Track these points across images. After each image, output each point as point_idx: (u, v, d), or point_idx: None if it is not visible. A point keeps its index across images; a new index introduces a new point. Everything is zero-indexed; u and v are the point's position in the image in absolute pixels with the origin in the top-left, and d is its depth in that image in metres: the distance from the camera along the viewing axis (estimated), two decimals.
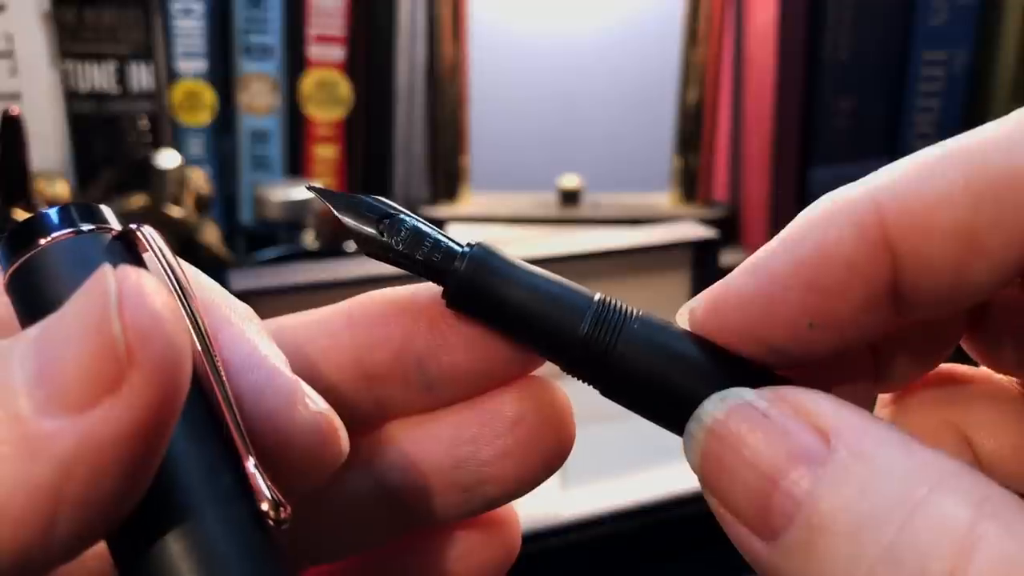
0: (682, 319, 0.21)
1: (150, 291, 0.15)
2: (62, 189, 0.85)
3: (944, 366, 0.24)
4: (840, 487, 0.16)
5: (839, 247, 0.19)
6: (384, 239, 0.21)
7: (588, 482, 0.64)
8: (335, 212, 0.22)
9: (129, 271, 0.15)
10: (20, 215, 0.72)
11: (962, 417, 0.23)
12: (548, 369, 0.23)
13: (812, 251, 0.19)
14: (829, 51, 0.96)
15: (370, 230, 0.22)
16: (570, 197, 1.08)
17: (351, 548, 0.24)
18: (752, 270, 0.20)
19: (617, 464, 0.66)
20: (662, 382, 0.21)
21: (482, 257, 0.21)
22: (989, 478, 0.16)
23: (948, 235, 0.18)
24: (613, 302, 0.21)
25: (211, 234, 0.87)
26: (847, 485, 0.16)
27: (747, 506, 0.18)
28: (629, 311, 0.21)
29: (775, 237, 0.20)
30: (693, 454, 0.19)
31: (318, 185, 0.22)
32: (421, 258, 0.21)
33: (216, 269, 0.80)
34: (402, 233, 0.21)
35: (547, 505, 0.61)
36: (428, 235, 0.21)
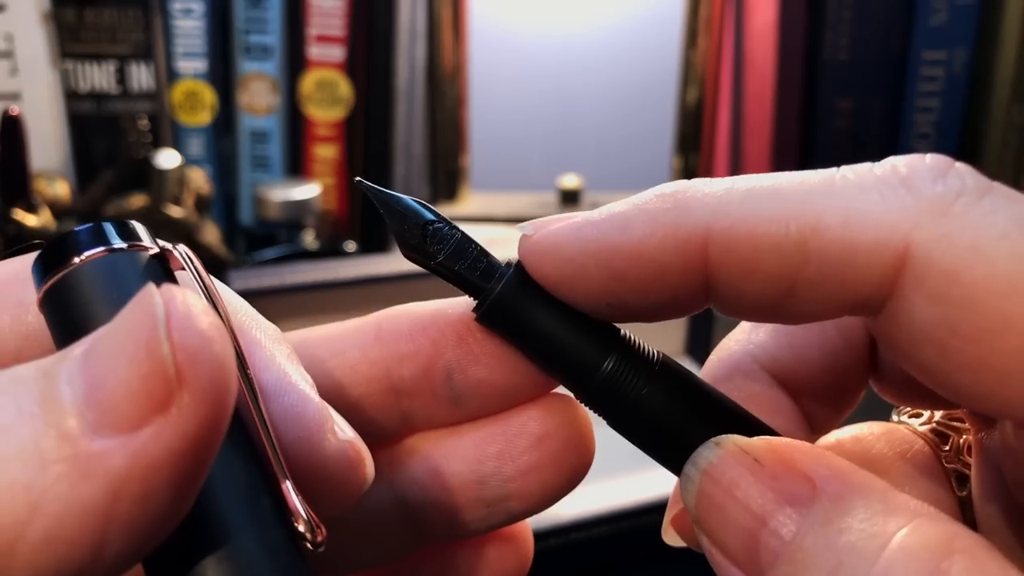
0: (519, 234, 0.22)
1: (197, 312, 0.15)
2: (62, 189, 0.85)
3: (854, 428, 0.25)
4: (822, 527, 0.17)
5: (655, 255, 0.20)
6: (427, 247, 0.22)
7: (588, 482, 0.64)
8: (381, 211, 0.22)
9: (175, 291, 0.15)
10: (20, 215, 0.72)
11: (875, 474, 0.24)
12: None
13: (628, 247, 0.20)
14: (829, 51, 0.96)
15: (414, 236, 0.22)
16: (570, 197, 1.08)
17: (368, 561, 0.24)
18: (576, 235, 0.20)
19: (617, 464, 0.66)
20: (671, 427, 0.21)
21: (518, 280, 0.21)
22: (956, 520, 0.17)
23: (768, 279, 0.19)
24: (636, 343, 0.22)
25: (211, 234, 0.87)
26: (828, 525, 0.17)
27: (737, 544, 0.18)
28: (650, 354, 0.22)
29: (610, 207, 0.20)
30: (689, 494, 0.20)
31: (369, 184, 0.22)
32: (460, 271, 0.22)
33: (216, 269, 0.80)
34: (445, 243, 0.22)
35: None
36: (470, 249, 0.22)
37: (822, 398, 0.24)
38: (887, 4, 0.95)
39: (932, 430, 0.25)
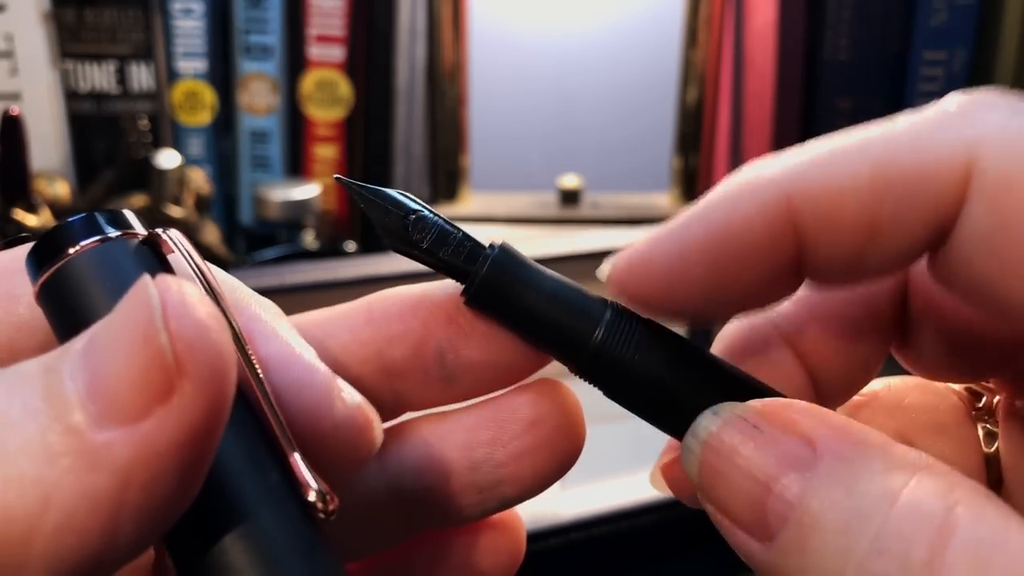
0: (602, 273, 0.22)
1: (193, 301, 0.15)
2: (62, 189, 0.85)
3: (888, 379, 0.25)
4: (827, 488, 0.18)
5: (744, 228, 0.20)
6: (410, 236, 0.22)
7: (588, 482, 0.64)
8: (361, 204, 0.22)
9: (170, 281, 0.16)
10: (21, 215, 0.72)
11: (906, 427, 0.25)
12: (558, 369, 0.23)
13: (718, 229, 0.20)
14: (829, 51, 0.96)
15: (396, 226, 0.22)
16: (570, 197, 1.08)
17: (362, 550, 0.24)
18: (664, 240, 0.21)
19: (617, 464, 0.66)
20: (666, 390, 0.21)
21: (503, 260, 0.22)
22: (957, 471, 0.18)
23: (852, 222, 0.19)
24: (626, 311, 0.22)
25: (211, 234, 0.87)
26: (833, 486, 0.17)
27: (743, 511, 0.19)
28: (641, 320, 0.22)
29: (691, 207, 0.21)
30: (691, 466, 0.20)
31: (348, 179, 0.23)
32: (444, 257, 0.22)
33: None
34: (428, 231, 0.22)
35: (547, 505, 0.62)
36: (452, 234, 0.22)
37: (837, 370, 0.24)
38: (887, 4, 0.95)
39: (966, 387, 0.25)
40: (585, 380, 0.22)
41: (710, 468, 0.19)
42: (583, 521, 0.61)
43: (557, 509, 0.61)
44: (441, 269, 0.22)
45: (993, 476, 0.24)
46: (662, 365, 0.21)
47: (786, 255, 0.20)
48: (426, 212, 0.22)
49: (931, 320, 0.23)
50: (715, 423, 0.20)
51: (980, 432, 0.24)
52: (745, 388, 0.22)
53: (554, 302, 0.22)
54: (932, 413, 0.25)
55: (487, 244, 0.22)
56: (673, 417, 0.21)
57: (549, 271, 0.22)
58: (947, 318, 0.23)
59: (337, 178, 0.23)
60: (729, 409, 0.20)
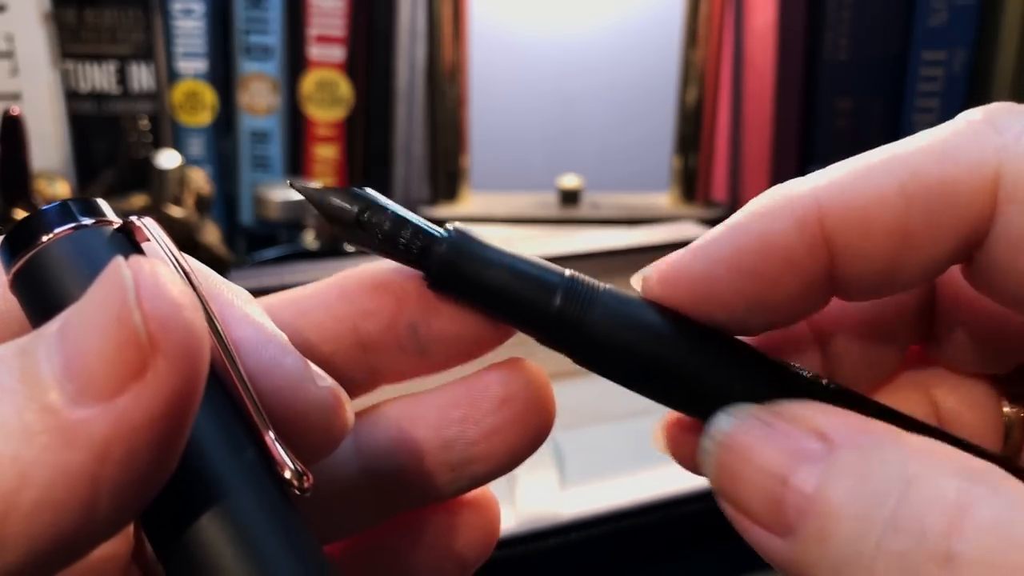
0: (636, 284, 0.22)
1: (166, 280, 0.16)
2: (62, 189, 0.85)
3: None
4: (843, 478, 0.18)
5: (779, 240, 0.20)
6: (365, 228, 0.22)
7: (588, 482, 0.64)
8: (316, 205, 0.22)
9: (143, 261, 0.16)
10: (21, 215, 0.72)
11: (927, 378, 0.25)
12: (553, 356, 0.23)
13: (754, 241, 0.21)
14: (829, 51, 0.96)
15: (350, 220, 0.22)
16: (570, 197, 1.08)
17: (338, 532, 0.24)
18: (700, 252, 0.21)
19: (617, 464, 0.66)
20: (630, 349, 0.22)
21: (459, 242, 0.22)
22: (970, 453, 0.18)
23: (883, 233, 0.20)
24: (582, 278, 0.22)
25: (211, 234, 0.87)
26: (849, 475, 0.18)
27: (762, 507, 0.19)
28: (597, 285, 0.22)
29: (723, 223, 0.21)
30: (708, 467, 0.21)
31: (301, 183, 0.23)
32: (402, 245, 0.22)
33: (216, 269, 0.80)
34: (383, 221, 0.22)
35: (547, 505, 0.62)
36: (408, 222, 0.22)
37: (857, 366, 0.24)
38: (887, 4, 0.95)
39: None
40: (551, 348, 0.23)
41: (726, 468, 0.20)
42: (583, 521, 0.61)
43: (557, 509, 0.61)
44: (399, 258, 0.22)
45: (1015, 439, 0.24)
46: (623, 324, 0.22)
47: (817, 269, 0.20)
48: (378, 203, 0.22)
49: (960, 320, 0.24)
50: (729, 423, 0.20)
51: (1001, 394, 0.25)
52: (716, 344, 0.22)
53: (511, 277, 0.22)
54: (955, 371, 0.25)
55: (443, 228, 0.22)
56: (641, 375, 0.22)
57: (508, 249, 0.23)
58: (977, 318, 0.23)
59: (291, 184, 0.24)
60: (742, 410, 0.20)
